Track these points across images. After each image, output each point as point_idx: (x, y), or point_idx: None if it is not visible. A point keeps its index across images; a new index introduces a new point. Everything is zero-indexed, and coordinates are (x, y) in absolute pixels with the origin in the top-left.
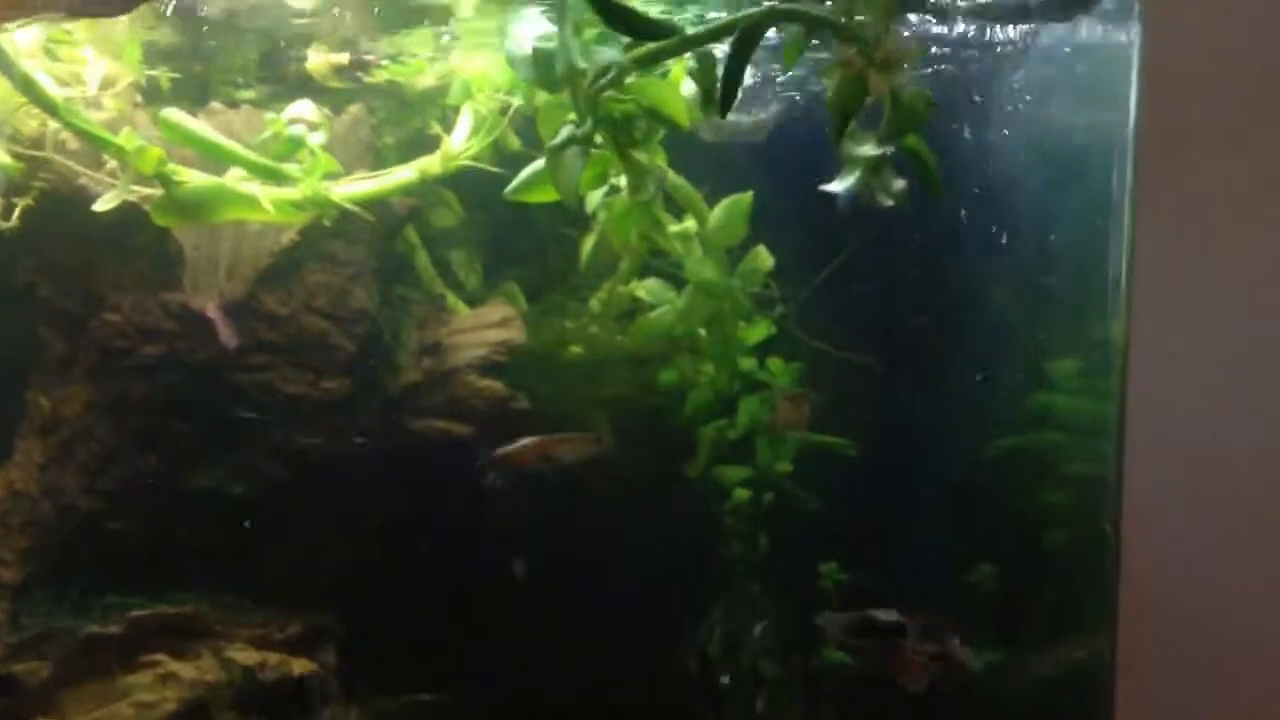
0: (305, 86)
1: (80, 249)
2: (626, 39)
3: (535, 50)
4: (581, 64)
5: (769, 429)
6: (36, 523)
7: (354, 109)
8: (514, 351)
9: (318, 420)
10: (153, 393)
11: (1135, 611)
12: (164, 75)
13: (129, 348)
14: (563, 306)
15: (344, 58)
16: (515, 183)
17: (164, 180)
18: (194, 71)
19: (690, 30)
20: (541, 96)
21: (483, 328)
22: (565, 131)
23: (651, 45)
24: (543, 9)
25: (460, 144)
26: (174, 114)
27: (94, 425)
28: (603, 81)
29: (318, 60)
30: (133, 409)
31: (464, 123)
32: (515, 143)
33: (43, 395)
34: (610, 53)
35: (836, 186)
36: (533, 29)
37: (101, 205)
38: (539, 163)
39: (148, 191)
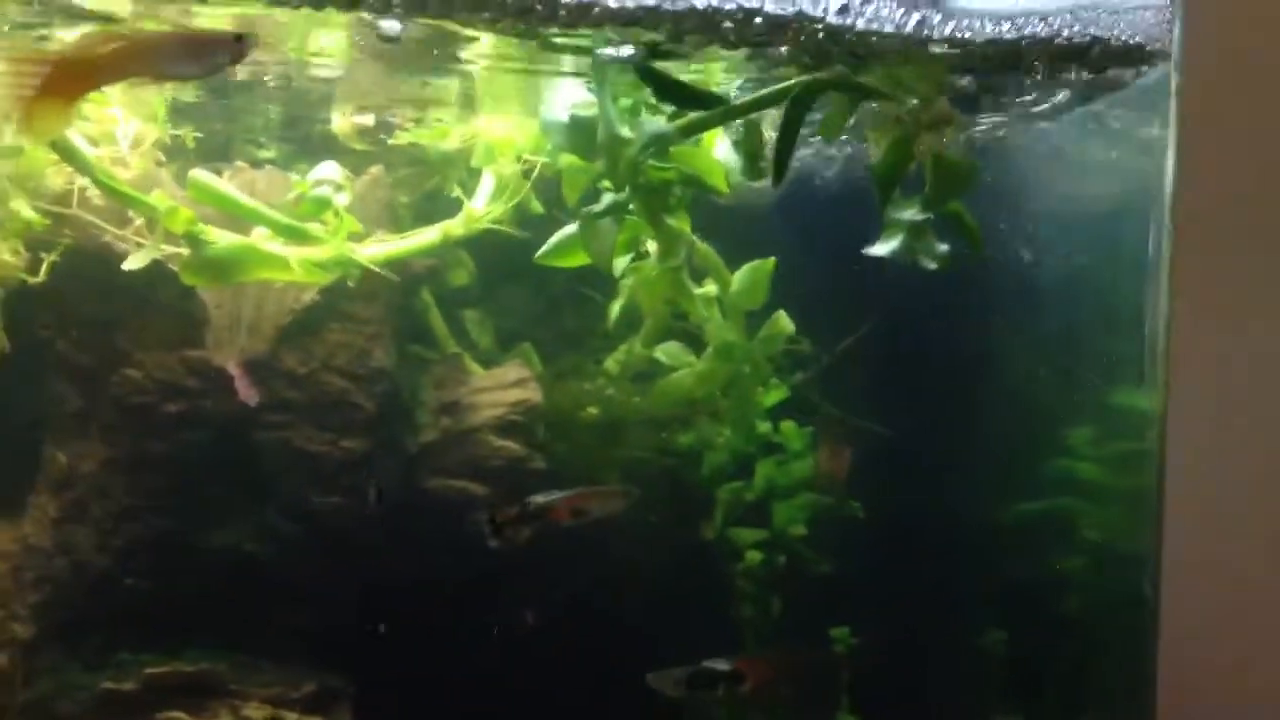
0: (327, 147)
1: (102, 305)
2: (669, 108)
3: (573, 118)
4: (624, 133)
5: (788, 489)
6: (50, 578)
7: (373, 170)
8: (531, 412)
9: (337, 479)
10: (172, 449)
11: (1174, 678)
12: (188, 134)
13: (149, 404)
14: (579, 368)
15: (369, 120)
16: (546, 247)
17: (192, 240)
18: (216, 131)
19: (736, 100)
20: (567, 161)
21: (500, 388)
22: (606, 199)
23: (697, 115)
24: (577, 78)
25: (483, 206)
26: (202, 174)
27: (110, 481)
28: (648, 150)
29: (342, 122)
30: (151, 466)
31: (485, 185)
32: (537, 206)
33: (59, 450)
34: (657, 123)
35: (879, 249)
36: (565, 97)
37: (131, 264)
38: (570, 228)
39: (172, 250)
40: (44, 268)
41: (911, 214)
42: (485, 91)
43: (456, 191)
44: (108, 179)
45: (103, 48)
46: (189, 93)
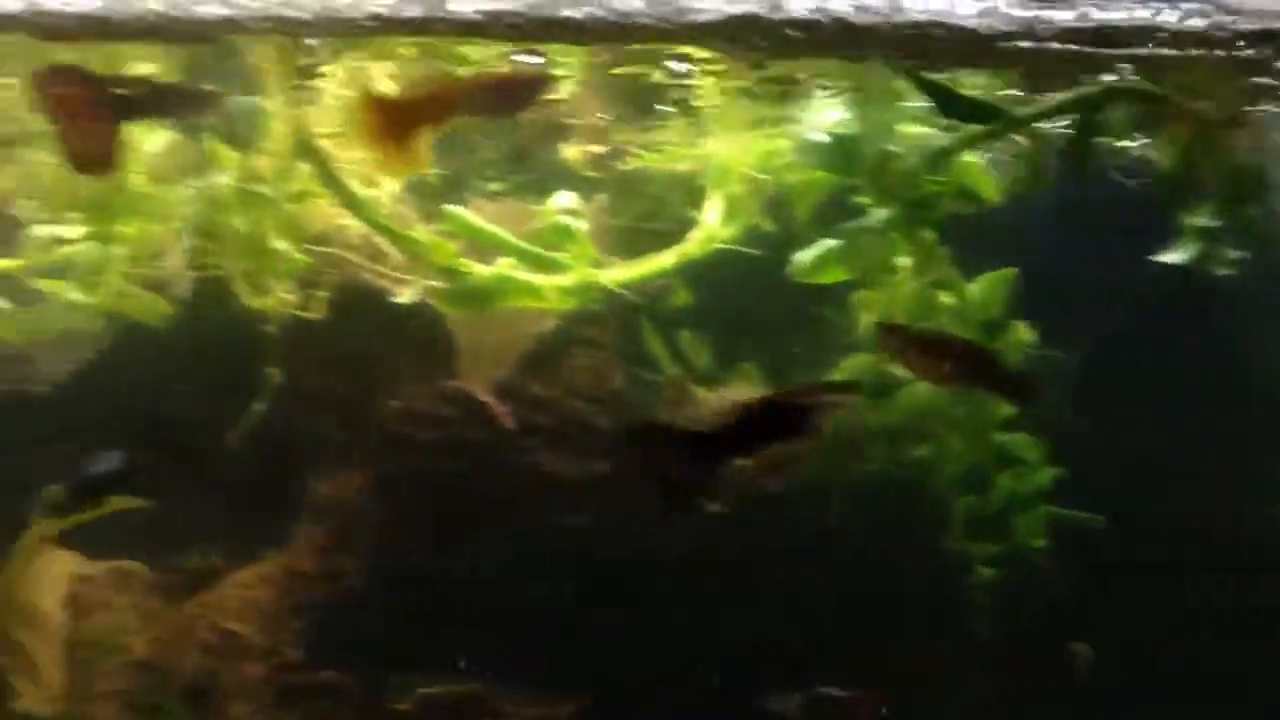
0: (559, 176)
1: (361, 339)
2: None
3: (838, 136)
4: (894, 149)
5: (1027, 501)
6: (316, 604)
7: (599, 197)
8: None
9: (585, 500)
10: (431, 476)
11: None
12: (428, 172)
13: (409, 433)
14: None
15: (600, 148)
16: (803, 263)
17: (450, 272)
18: (453, 165)
19: (1019, 112)
20: (799, 178)
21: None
22: (872, 214)
23: (978, 128)
24: (831, 95)
25: (716, 227)
26: (455, 209)
27: (372, 508)
28: (932, 163)
29: (574, 150)
30: (411, 492)
31: (714, 207)
32: (768, 225)
33: (322, 480)
34: (938, 138)
35: (1173, 256)
36: (818, 117)
37: (404, 297)
38: (826, 243)
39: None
40: (312, 304)
41: (1203, 220)
42: (714, 115)
43: (685, 213)
44: (379, 218)
45: (434, 89)
46: None
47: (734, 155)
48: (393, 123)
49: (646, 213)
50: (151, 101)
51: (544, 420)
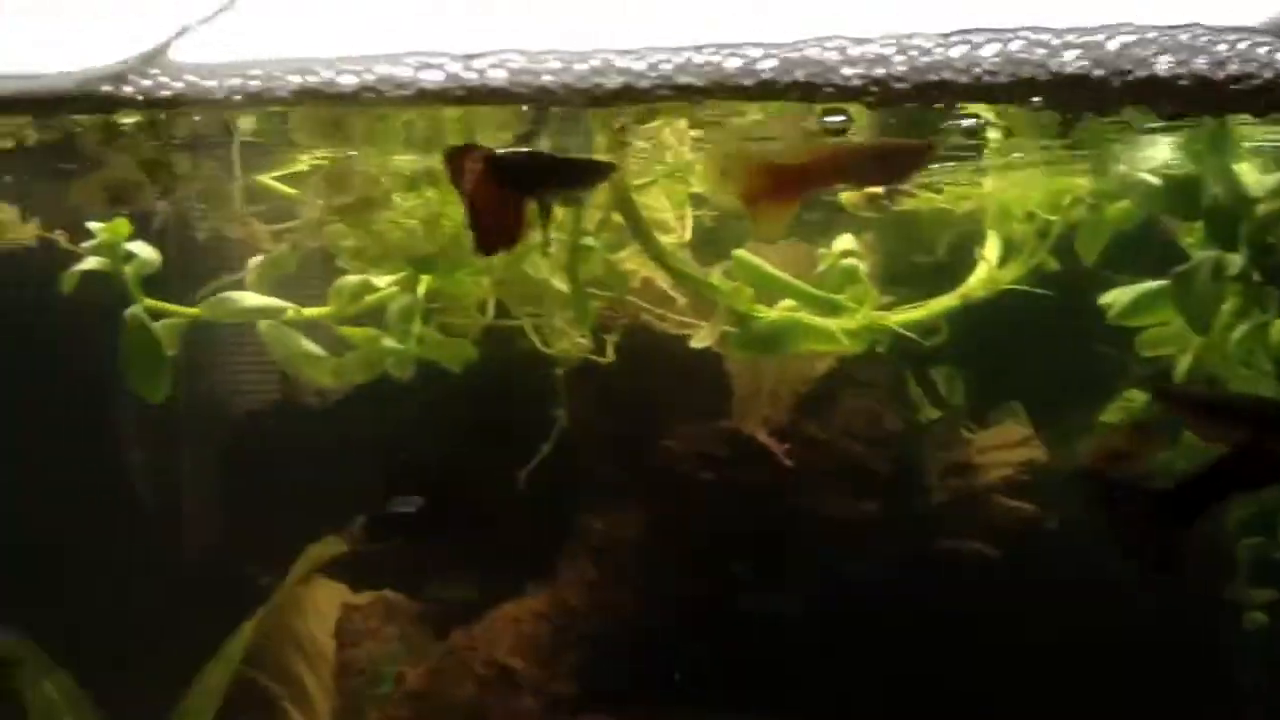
0: (831, 217)
1: (643, 382)
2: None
3: (1179, 179)
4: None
5: None
6: (589, 638)
7: (865, 237)
8: (1039, 471)
9: (860, 543)
10: (707, 516)
11: None
12: (706, 215)
13: (687, 472)
14: (1081, 424)
15: (879, 188)
16: (1121, 305)
17: (740, 316)
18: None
19: None
20: (1081, 216)
21: (1004, 447)
22: (1207, 257)
23: None
24: (1164, 136)
25: (996, 267)
26: (744, 254)
27: (648, 546)
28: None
29: (852, 192)
30: (686, 532)
31: (993, 246)
32: (1052, 264)
33: (596, 518)
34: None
35: None
36: (1137, 156)
37: (699, 341)
38: (1148, 285)
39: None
40: (601, 349)
41: None
42: (998, 152)
43: (958, 253)
44: (678, 263)
45: (813, 155)
46: None
47: (1018, 194)
48: (775, 187)
49: (913, 252)
50: (555, 176)
51: (818, 461)
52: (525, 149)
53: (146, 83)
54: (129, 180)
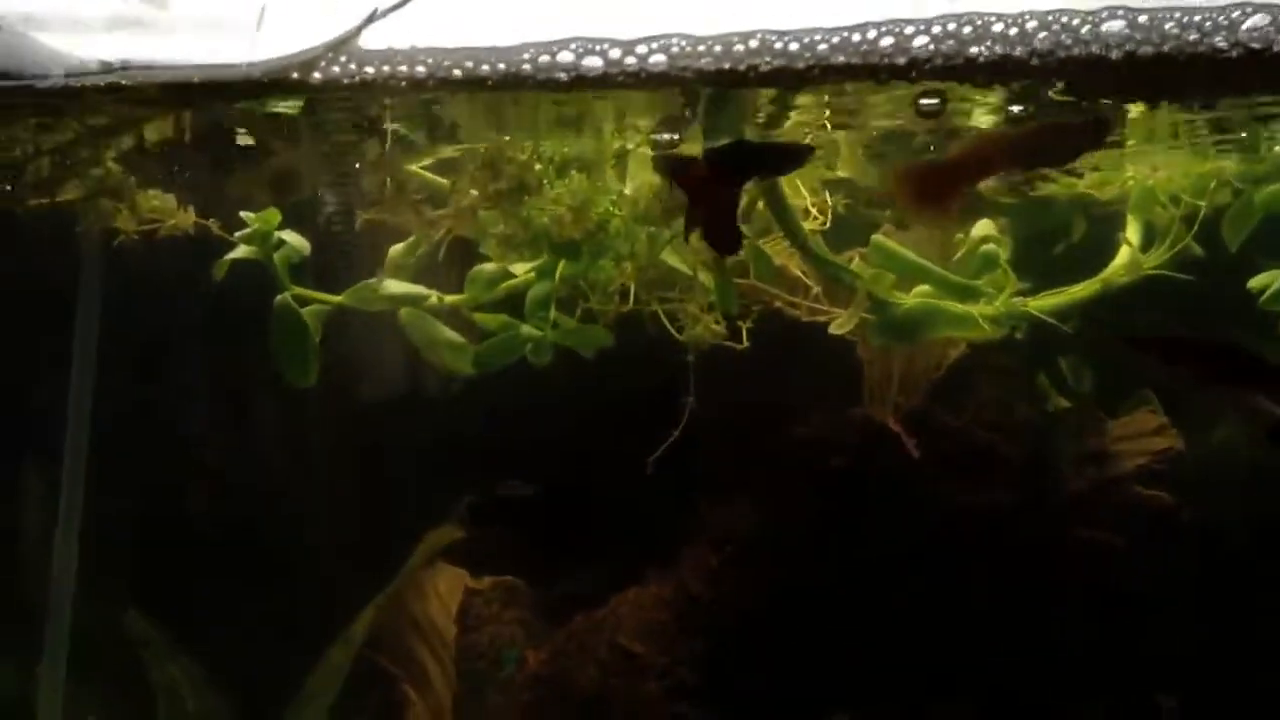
0: (969, 202)
1: (774, 369)
2: None
3: None
4: None
5: None
6: (712, 627)
7: (1002, 222)
8: (1177, 461)
9: (993, 533)
10: (834, 505)
11: None
12: (838, 201)
13: (817, 459)
14: (1217, 412)
15: (1019, 174)
16: (1275, 290)
17: (878, 302)
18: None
19: None
20: (1228, 201)
21: (1140, 436)
22: None
23: None
24: None
25: (1139, 253)
26: (882, 239)
27: (771, 535)
28: None
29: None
30: (812, 520)
31: (1135, 231)
32: (1197, 249)
33: (718, 505)
34: None
35: None
36: None
37: (838, 328)
38: None
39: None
40: (735, 336)
41: None
42: (1144, 136)
43: (1097, 239)
44: (819, 250)
45: (979, 144)
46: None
47: (1162, 178)
48: (936, 184)
49: (1052, 238)
50: (763, 163)
51: (949, 449)
52: (731, 140)
53: (336, 69)
54: (294, 169)
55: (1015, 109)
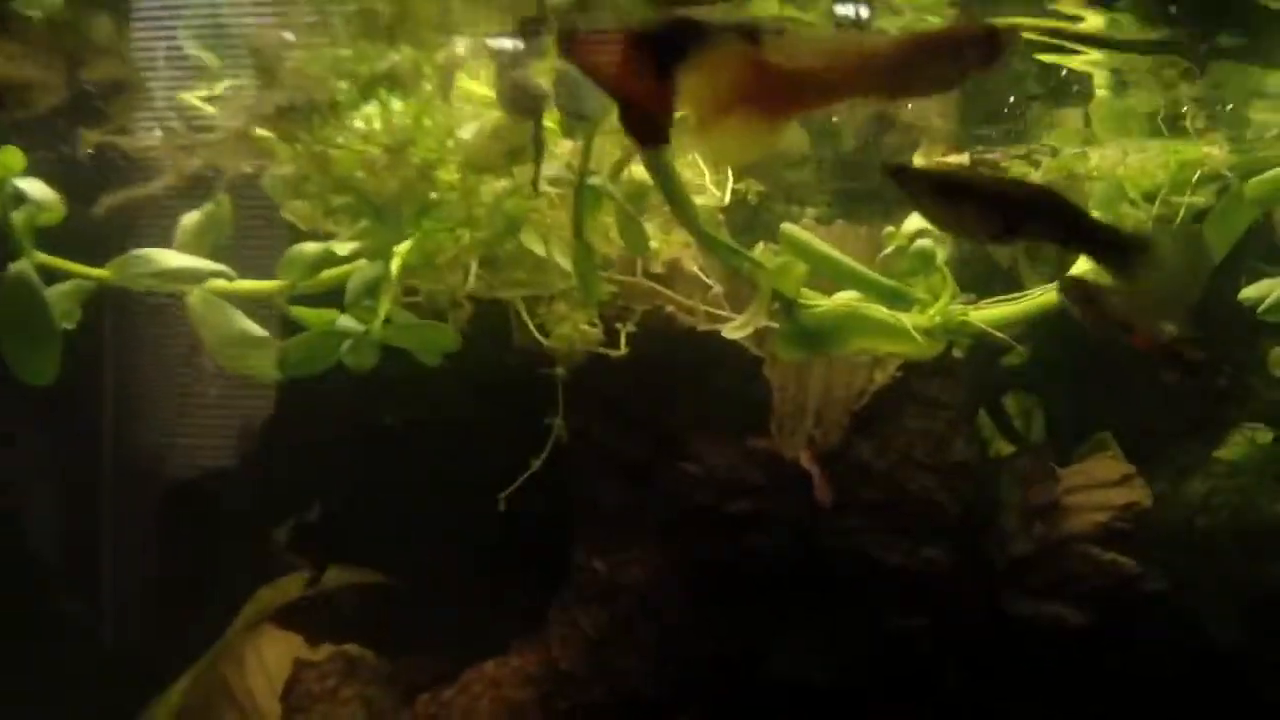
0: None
1: (657, 386)
2: None
3: None
4: None
5: None
6: (588, 707)
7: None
8: (1141, 518)
9: (918, 596)
10: (736, 557)
11: None
12: (750, 185)
13: (710, 503)
14: (1197, 461)
15: (961, 159)
16: (1274, 301)
17: (787, 305)
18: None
19: None
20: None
21: (1099, 486)
22: None
23: None
24: None
25: None
26: (794, 230)
27: (661, 594)
28: None
29: (924, 159)
30: (710, 576)
31: None
32: None
33: (595, 557)
34: None
35: None
36: None
37: (734, 331)
38: None
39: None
40: (621, 341)
41: None
42: (1107, 116)
43: None
44: (716, 234)
45: (822, 57)
46: None
47: (1134, 168)
48: (761, 93)
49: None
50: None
51: (872, 494)
52: (669, 16)
53: None
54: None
55: None
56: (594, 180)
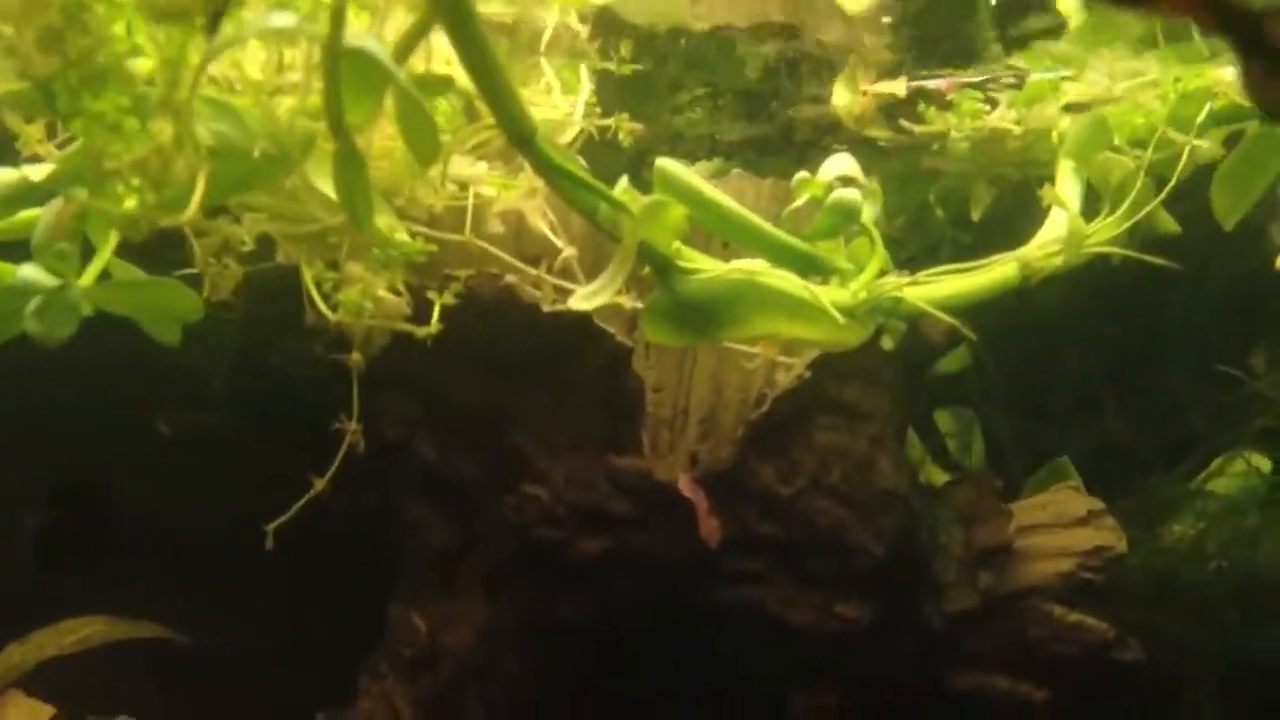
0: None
1: (489, 383)
2: None
3: None
4: None
5: None
6: None
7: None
8: (1113, 567)
9: (831, 665)
10: (591, 610)
11: None
12: (620, 122)
13: (559, 540)
14: (1183, 495)
15: (896, 88)
16: None
17: (661, 269)
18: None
19: None
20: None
21: (1059, 526)
22: None
23: None
24: None
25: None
26: (672, 164)
27: (497, 658)
28: None
29: (850, 97)
30: (560, 634)
31: (1072, 190)
32: (1169, 222)
33: (413, 610)
34: None
35: None
36: None
37: (582, 301)
38: None
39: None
40: (434, 316)
41: None
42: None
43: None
44: (554, 153)
45: None
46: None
47: (1119, 110)
48: None
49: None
50: None
51: (773, 531)
52: None
53: None
54: None
55: None
56: (357, 42)
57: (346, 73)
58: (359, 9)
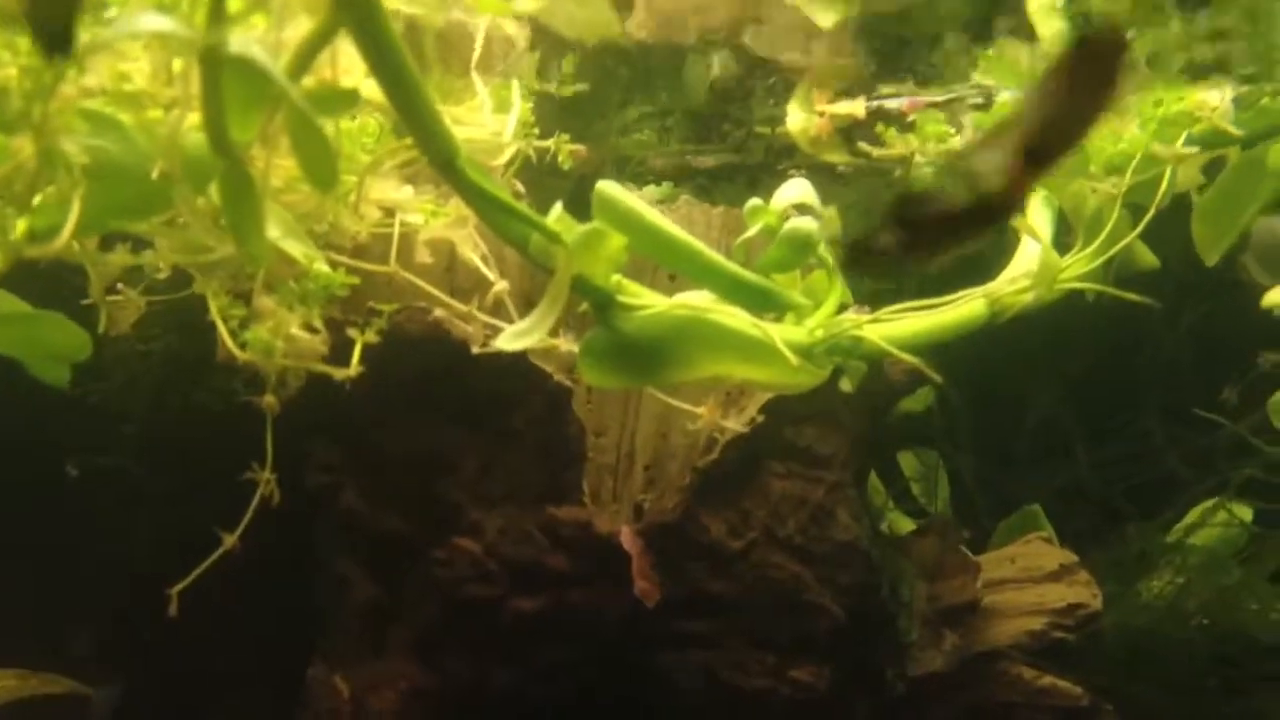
0: (768, 165)
1: (417, 428)
2: None
3: None
4: None
5: None
6: None
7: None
8: (1087, 626)
9: None
10: (526, 677)
11: None
12: (560, 143)
13: (491, 597)
14: (1160, 548)
15: (855, 108)
16: None
17: (600, 305)
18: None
19: None
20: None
21: (1030, 581)
22: None
23: None
24: None
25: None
26: (613, 188)
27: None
28: None
29: (805, 120)
30: (493, 703)
31: (1043, 220)
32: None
33: (336, 670)
34: None
35: None
36: None
37: (511, 340)
38: None
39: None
40: (354, 356)
41: None
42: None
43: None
44: (468, 169)
45: None
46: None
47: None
48: None
49: None
50: None
51: (722, 588)
52: None
53: None
54: None
55: None
56: (243, 48)
57: (230, 83)
58: (256, 12)
